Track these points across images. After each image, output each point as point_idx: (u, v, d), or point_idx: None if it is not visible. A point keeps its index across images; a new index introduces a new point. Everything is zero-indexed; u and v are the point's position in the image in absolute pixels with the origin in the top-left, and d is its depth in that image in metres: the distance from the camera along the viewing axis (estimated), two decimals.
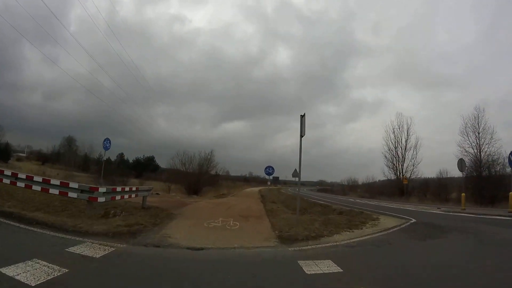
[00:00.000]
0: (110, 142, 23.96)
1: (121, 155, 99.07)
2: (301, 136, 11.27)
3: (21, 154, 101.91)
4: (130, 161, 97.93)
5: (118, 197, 11.38)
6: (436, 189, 42.90)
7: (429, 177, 49.05)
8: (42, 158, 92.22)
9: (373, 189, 59.27)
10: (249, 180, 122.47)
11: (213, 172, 43.60)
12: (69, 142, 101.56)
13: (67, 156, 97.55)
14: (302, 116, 11.27)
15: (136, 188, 13.23)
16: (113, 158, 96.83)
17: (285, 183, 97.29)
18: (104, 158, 24.92)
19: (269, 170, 28.05)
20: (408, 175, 46.89)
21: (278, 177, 53.78)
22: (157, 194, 22.98)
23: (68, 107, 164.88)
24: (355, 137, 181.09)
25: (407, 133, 48.24)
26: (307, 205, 23.48)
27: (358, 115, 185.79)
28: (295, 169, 30.57)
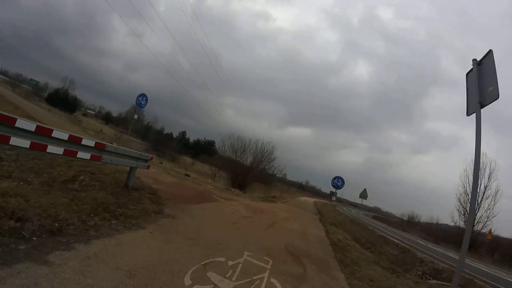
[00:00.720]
0: (146, 100, 18.96)
1: (183, 133, 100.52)
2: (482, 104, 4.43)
3: (90, 111, 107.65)
4: (191, 141, 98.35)
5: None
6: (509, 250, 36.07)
7: (504, 236, 41.37)
8: (108, 118, 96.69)
9: (437, 233, 51.39)
10: (304, 188, 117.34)
11: (268, 169, 37.15)
12: (136, 109, 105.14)
13: (131, 122, 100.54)
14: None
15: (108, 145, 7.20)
16: (175, 134, 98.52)
17: (340, 200, 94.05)
18: (136, 116, 19.78)
19: (338, 182, 22.24)
20: (479, 227, 38.77)
21: (336, 192, 48.78)
22: (187, 175, 17.32)
23: (144, 80, 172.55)
24: (421, 170, 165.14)
25: (489, 178, 38.44)
26: (374, 238, 20.68)
27: (429, 148, 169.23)
28: (364, 189, 28.20)
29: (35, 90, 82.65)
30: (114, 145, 7.50)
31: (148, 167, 8.71)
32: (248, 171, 32.84)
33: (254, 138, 35.21)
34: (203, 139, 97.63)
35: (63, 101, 77.78)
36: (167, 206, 7.32)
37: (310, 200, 58.74)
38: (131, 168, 7.91)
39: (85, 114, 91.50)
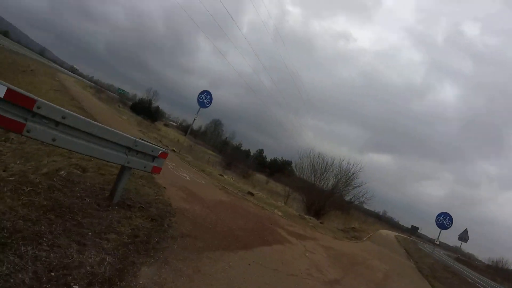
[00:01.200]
0: (210, 99, 15.65)
1: (260, 151, 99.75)
2: None
3: (172, 123, 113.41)
4: (268, 159, 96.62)
5: None
6: None
7: None
8: (186, 130, 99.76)
9: None
10: (381, 218, 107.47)
11: (346, 196, 31.30)
12: (216, 124, 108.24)
13: (209, 135, 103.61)
14: None
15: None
16: (253, 151, 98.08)
17: (419, 236, 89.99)
18: (196, 117, 16.53)
19: (445, 220, 16.67)
20: None
21: (418, 228, 47.00)
22: (250, 194, 13.09)
23: (226, 97, 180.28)
24: None
25: None
26: None
27: None
28: (465, 230, 23.27)
29: (121, 98, 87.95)
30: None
31: (156, 169, 4.67)
32: (327, 196, 27.51)
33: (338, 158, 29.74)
34: (280, 158, 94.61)
35: (146, 110, 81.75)
36: (171, 252, 3.20)
37: (391, 234, 52.67)
38: (122, 167, 3.99)
39: (166, 125, 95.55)
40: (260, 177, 65.24)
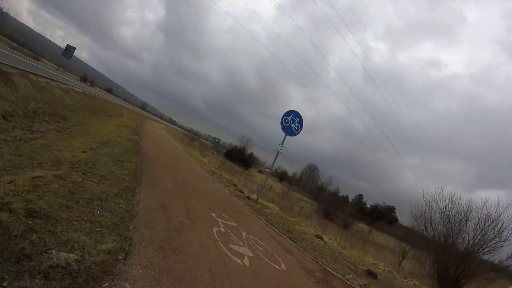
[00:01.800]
0: (301, 123, 11.08)
1: (359, 197, 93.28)
2: None
3: (266, 169, 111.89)
4: (368, 205, 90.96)
5: None
6: None
7: None
8: (282, 177, 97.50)
9: None
10: None
11: (493, 257, 22.74)
12: (311, 170, 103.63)
13: (304, 182, 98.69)
14: None
15: None
16: (351, 197, 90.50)
17: None
18: (281, 149, 11.39)
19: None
20: None
21: None
22: (318, 237, 7.80)
23: (320, 142, 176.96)
24: None
25: None
26: None
27: None
28: None
29: (216, 146, 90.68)
30: None
31: None
32: (467, 258, 19.70)
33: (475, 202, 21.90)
34: (382, 204, 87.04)
35: (239, 157, 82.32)
36: None
37: None
38: None
39: (260, 171, 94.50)
40: (362, 226, 57.77)
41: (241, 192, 13.61)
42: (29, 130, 8.69)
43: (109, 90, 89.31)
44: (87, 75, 69.41)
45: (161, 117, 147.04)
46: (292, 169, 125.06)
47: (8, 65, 11.78)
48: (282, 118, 11.78)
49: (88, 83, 62.95)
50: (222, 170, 19.83)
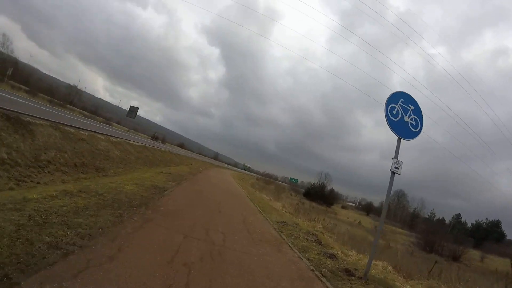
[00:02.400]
0: (418, 112, 6.58)
1: (457, 216, 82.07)
2: None
3: (350, 203, 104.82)
4: (468, 224, 79.31)
5: None
6: None
7: None
8: (368, 209, 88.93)
9: None
10: None
11: None
12: (399, 196, 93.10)
13: (393, 211, 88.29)
14: None
15: None
16: (447, 218, 79.53)
17: None
18: (396, 167, 6.50)
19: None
20: None
21: None
22: None
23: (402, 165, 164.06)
24: None
25: None
26: None
27: None
28: None
29: (293, 187, 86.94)
30: None
31: None
32: None
33: None
34: (484, 221, 75.33)
35: (319, 195, 77.58)
36: None
37: None
38: None
39: (344, 207, 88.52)
40: (473, 252, 48.44)
41: (332, 257, 7.12)
42: (19, 180, 6.81)
43: (181, 145, 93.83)
44: (156, 133, 72.59)
45: (235, 165, 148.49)
46: (378, 199, 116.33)
47: (39, 117, 10.10)
48: (387, 108, 6.31)
49: (159, 141, 65.60)
50: (300, 215, 15.02)
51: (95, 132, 16.03)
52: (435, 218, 79.66)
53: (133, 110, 55.72)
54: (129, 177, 9.94)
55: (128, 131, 53.91)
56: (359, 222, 44.07)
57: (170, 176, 13.65)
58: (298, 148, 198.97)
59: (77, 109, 52.72)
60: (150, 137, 65.87)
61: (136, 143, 22.17)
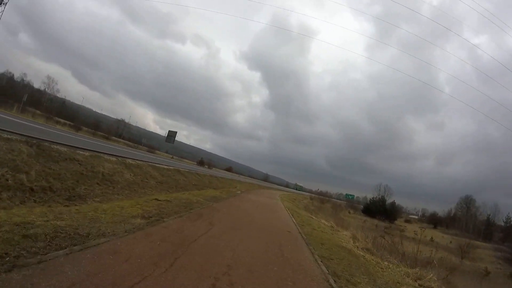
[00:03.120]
0: None
1: None
2: None
3: (412, 216, 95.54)
4: None
5: None
6: None
7: None
8: (434, 220, 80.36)
9: None
10: None
11: None
12: (467, 203, 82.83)
13: (463, 220, 78.04)
14: None
15: None
16: None
17: None
18: None
19: None
20: None
21: None
22: None
23: (462, 169, 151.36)
24: None
25: None
26: None
27: None
28: None
29: (351, 203, 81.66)
30: None
31: None
32: None
33: None
34: None
35: (380, 210, 71.04)
36: None
37: None
38: None
39: (407, 220, 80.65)
40: None
41: None
42: None
43: (229, 169, 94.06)
44: (203, 159, 72.25)
45: (287, 185, 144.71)
46: (434, 208, 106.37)
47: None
48: None
49: (206, 166, 65.19)
50: (385, 252, 9.89)
51: (111, 154, 13.97)
52: None
53: (172, 134, 55.11)
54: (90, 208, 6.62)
55: (172, 157, 53.70)
56: (431, 239, 38.23)
57: (168, 206, 8.98)
58: (349, 163, 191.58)
59: (122, 140, 54.10)
60: (196, 163, 66.20)
61: (166, 167, 20.03)
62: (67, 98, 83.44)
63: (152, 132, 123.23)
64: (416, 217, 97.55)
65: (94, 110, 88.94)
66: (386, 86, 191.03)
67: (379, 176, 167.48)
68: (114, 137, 52.38)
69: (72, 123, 44.56)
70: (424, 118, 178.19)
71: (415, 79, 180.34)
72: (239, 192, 23.69)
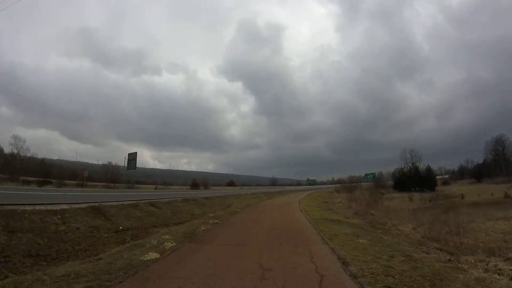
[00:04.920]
0: None
1: None
2: None
3: (443, 176, 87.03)
4: None
5: None
6: None
7: None
8: (475, 174, 71.38)
9: None
10: None
11: None
12: (501, 143, 72.14)
13: (497, 164, 68.51)
14: None
15: None
16: None
17: None
18: None
19: None
20: None
21: None
22: None
23: (462, 118, 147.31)
24: None
25: None
26: None
27: None
28: None
29: (378, 182, 73.30)
30: None
31: None
32: None
33: None
34: None
35: (415, 180, 59.95)
36: None
37: None
38: None
39: (446, 183, 71.90)
40: None
41: None
42: None
43: (230, 184, 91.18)
44: (196, 180, 66.53)
45: (298, 183, 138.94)
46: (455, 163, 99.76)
47: None
48: None
49: (201, 187, 59.84)
50: None
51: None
52: None
53: (132, 157, 46.02)
54: None
55: (156, 188, 48.23)
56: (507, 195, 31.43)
57: None
58: (355, 144, 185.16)
59: (100, 183, 49.28)
60: (189, 187, 60.91)
61: (118, 203, 14.81)
62: (61, 158, 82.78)
63: (152, 168, 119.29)
64: (446, 176, 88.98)
65: (90, 162, 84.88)
66: (367, 60, 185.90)
67: (386, 148, 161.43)
68: (93, 182, 48.95)
69: (41, 179, 41.25)
70: (412, 80, 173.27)
71: (392, 43, 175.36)
72: (215, 221, 14.81)
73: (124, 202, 15.89)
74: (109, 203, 14.82)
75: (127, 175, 49.80)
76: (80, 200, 14.78)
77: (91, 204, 13.74)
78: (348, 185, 63.92)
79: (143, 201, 17.83)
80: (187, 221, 15.45)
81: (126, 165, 46.32)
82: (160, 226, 13.76)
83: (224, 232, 9.85)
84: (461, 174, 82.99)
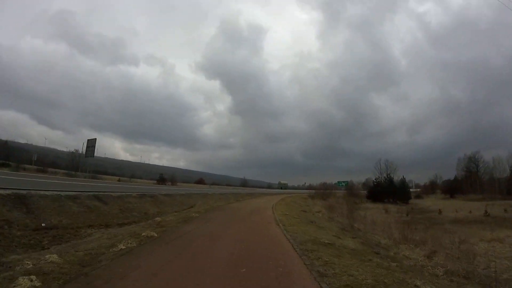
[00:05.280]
0: None
1: None
2: None
3: (415, 189, 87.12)
4: None
5: None
6: None
7: None
8: (444, 188, 74.83)
9: None
10: None
11: None
12: (475, 161, 74.63)
13: (468, 181, 69.88)
14: None
15: None
16: None
17: None
18: None
19: None
20: None
21: None
22: None
23: (432, 135, 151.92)
24: None
25: None
26: None
27: None
28: None
29: (349, 191, 72.55)
30: None
31: None
32: None
33: None
34: None
35: (389, 191, 58.79)
36: None
37: None
38: None
39: (418, 196, 72.27)
40: None
41: None
42: None
43: (199, 182, 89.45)
44: (164, 176, 63.58)
45: (269, 186, 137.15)
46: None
47: None
48: None
49: (168, 183, 56.95)
50: None
51: None
52: None
53: (91, 145, 42.21)
54: None
55: (119, 180, 45.27)
56: (487, 213, 30.65)
57: None
58: (327, 151, 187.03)
59: (62, 171, 45.96)
60: (156, 182, 58.30)
61: (53, 193, 12.12)
62: (29, 142, 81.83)
63: (123, 160, 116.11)
64: (418, 190, 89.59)
65: (59, 149, 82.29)
66: (345, 70, 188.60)
67: (358, 157, 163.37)
68: (56, 169, 46.94)
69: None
70: (387, 93, 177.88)
71: (372, 57, 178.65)
72: (151, 234, 13.23)
73: (62, 193, 13.11)
74: (42, 192, 12.05)
75: (86, 163, 45.94)
76: (10, 186, 12.14)
77: (17, 191, 11.08)
78: (323, 192, 62.29)
79: (88, 193, 15.05)
80: (136, 222, 12.89)
81: (84, 152, 42.71)
82: (98, 226, 11.09)
83: (149, 262, 5.82)
84: (432, 188, 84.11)
